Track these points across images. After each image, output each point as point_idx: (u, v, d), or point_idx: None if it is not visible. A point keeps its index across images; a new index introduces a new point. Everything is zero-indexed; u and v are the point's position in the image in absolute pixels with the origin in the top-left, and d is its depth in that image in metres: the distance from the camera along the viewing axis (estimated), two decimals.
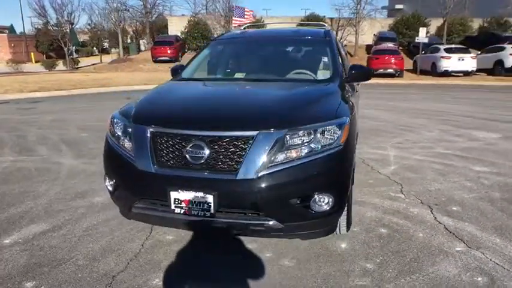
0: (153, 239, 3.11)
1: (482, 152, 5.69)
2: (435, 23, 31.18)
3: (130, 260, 2.79)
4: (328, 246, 2.95)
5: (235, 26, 20.96)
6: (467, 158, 5.39)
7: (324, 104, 2.85)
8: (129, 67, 28.02)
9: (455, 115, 9.26)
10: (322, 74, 3.64)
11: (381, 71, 20.62)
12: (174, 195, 2.46)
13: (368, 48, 29.22)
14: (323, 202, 2.48)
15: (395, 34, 29.15)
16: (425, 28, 22.47)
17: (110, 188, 2.87)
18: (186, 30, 32.54)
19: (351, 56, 27.16)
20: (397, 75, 21.08)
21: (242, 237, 3.04)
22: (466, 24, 30.44)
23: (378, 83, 18.11)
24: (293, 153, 2.44)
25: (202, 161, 2.45)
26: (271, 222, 2.46)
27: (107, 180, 2.90)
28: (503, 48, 20.22)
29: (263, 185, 2.37)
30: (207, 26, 32.64)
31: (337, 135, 2.52)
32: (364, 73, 3.64)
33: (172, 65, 5.01)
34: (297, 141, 2.46)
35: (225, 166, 2.43)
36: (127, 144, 2.74)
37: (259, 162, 2.38)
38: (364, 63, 20.16)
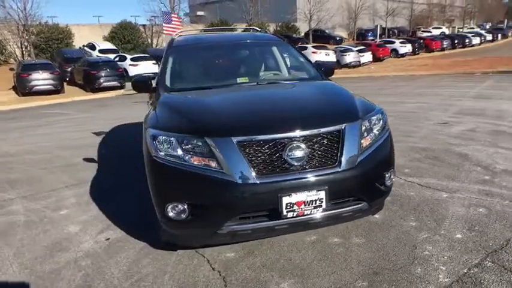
0: (217, 260, 2.86)
1: None
2: (240, 28, 34.80)
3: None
4: (369, 219, 3.37)
5: (166, 33, 19.18)
6: None
7: (354, 97, 3.23)
8: None
9: None
10: (305, 72, 3.98)
11: None
12: (286, 200, 2.44)
13: None
14: (391, 177, 2.91)
15: None
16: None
17: (183, 215, 2.52)
18: None
19: None
20: None
21: (293, 234, 3.13)
22: (265, 28, 35.22)
23: None
24: (368, 140, 2.77)
25: (303, 161, 2.50)
26: (361, 205, 2.73)
27: (170, 209, 2.53)
28: (305, 48, 24.47)
29: (361, 171, 2.63)
30: None
31: (384, 121, 2.98)
32: (332, 68, 4.19)
33: None
34: (366, 129, 2.80)
35: (327, 160, 2.57)
36: (199, 160, 2.49)
37: (354, 151, 2.62)
38: None
